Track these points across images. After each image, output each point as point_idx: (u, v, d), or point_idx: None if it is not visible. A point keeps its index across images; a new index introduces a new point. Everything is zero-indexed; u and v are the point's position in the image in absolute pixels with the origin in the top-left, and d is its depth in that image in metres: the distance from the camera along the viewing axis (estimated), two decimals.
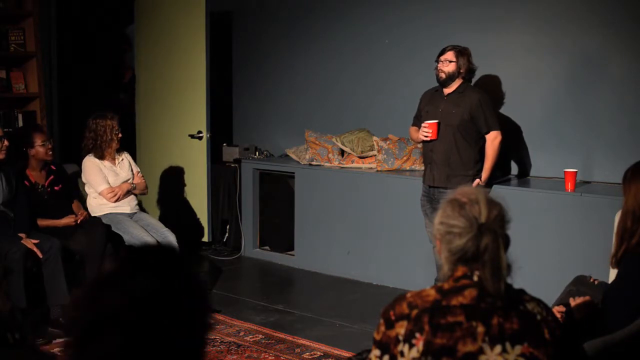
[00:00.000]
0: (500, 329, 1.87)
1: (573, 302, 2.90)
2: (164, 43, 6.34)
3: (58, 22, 6.15)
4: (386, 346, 1.91)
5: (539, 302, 1.97)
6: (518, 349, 1.86)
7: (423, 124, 4.77)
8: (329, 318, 4.79)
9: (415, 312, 1.89)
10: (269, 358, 4.12)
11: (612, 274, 2.99)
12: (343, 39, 6.19)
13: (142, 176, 5.33)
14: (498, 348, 1.85)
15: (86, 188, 5.18)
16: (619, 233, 2.73)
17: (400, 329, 1.89)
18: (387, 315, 1.93)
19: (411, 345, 1.87)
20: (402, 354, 1.88)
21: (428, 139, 4.75)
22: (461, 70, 4.74)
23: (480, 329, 1.86)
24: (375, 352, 1.93)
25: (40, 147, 4.81)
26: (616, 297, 2.69)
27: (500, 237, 1.90)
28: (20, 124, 5.68)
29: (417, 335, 1.87)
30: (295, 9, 6.48)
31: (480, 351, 1.84)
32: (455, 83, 4.77)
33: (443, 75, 4.73)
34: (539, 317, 1.92)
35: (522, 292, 1.97)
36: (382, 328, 1.94)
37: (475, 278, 1.91)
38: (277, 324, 4.68)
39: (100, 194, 5.08)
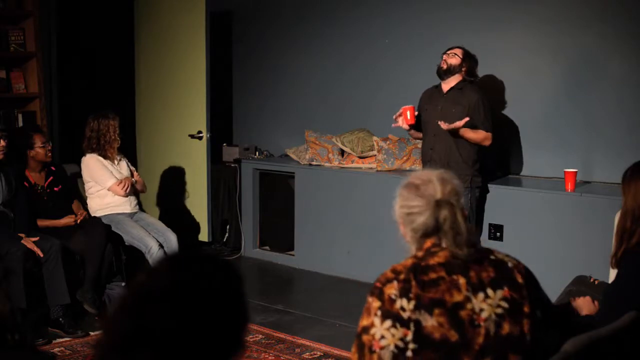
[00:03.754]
0: (478, 278, 1.99)
1: (575, 303, 2.90)
2: (164, 43, 6.34)
3: (58, 22, 6.15)
4: (387, 313, 1.94)
5: (508, 255, 2.11)
6: (500, 293, 1.99)
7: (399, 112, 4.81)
8: (329, 318, 4.79)
9: (401, 276, 1.99)
10: (269, 358, 4.12)
11: (612, 274, 2.99)
12: (343, 39, 6.18)
13: (139, 175, 5.34)
14: (481, 295, 1.98)
15: (86, 188, 5.17)
16: (619, 233, 2.74)
17: (391, 289, 1.96)
18: (374, 287, 2.00)
19: (409, 299, 1.94)
20: (403, 309, 1.94)
21: (401, 124, 4.79)
22: (464, 69, 4.76)
23: (462, 280, 1.98)
24: (386, 324, 1.92)
25: (40, 149, 4.81)
26: (616, 297, 2.69)
27: (458, 208, 2.03)
28: (20, 124, 5.67)
29: (413, 290, 1.95)
30: (295, 9, 6.48)
31: (467, 300, 1.96)
32: (455, 79, 4.78)
33: (445, 65, 4.76)
34: (509, 264, 2.05)
35: (491, 249, 2.10)
36: (375, 303, 1.96)
37: (444, 245, 2.03)
38: (277, 324, 4.68)
39: (109, 189, 5.04)
